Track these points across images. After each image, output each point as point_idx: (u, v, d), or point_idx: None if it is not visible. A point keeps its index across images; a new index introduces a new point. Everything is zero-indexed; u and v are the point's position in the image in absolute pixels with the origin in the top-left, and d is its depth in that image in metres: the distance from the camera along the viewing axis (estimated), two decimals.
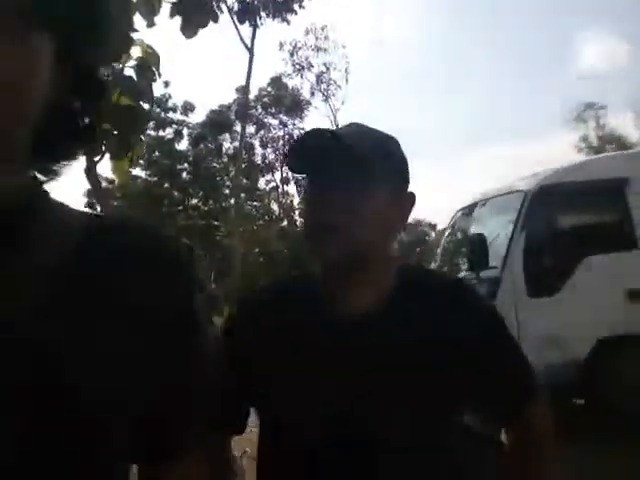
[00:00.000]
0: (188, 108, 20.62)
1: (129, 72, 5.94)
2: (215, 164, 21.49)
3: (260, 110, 20.52)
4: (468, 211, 5.74)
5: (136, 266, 0.48)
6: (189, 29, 7.02)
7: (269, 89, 20.51)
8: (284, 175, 22.20)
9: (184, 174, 21.11)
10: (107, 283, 0.46)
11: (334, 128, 0.86)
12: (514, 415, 0.89)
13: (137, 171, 19.67)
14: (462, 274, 5.01)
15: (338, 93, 20.52)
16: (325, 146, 0.77)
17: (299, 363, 0.80)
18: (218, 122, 20.23)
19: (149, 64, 6.67)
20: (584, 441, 4.00)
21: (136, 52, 6.30)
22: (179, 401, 0.52)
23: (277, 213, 22.99)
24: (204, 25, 7.28)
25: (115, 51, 5.69)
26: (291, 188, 22.87)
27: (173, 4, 6.43)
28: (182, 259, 0.52)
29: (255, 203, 22.75)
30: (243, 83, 17.36)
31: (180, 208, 20.73)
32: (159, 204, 19.81)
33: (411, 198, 0.84)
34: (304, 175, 0.84)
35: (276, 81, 20.13)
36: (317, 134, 0.79)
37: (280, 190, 22.75)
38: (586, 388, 4.55)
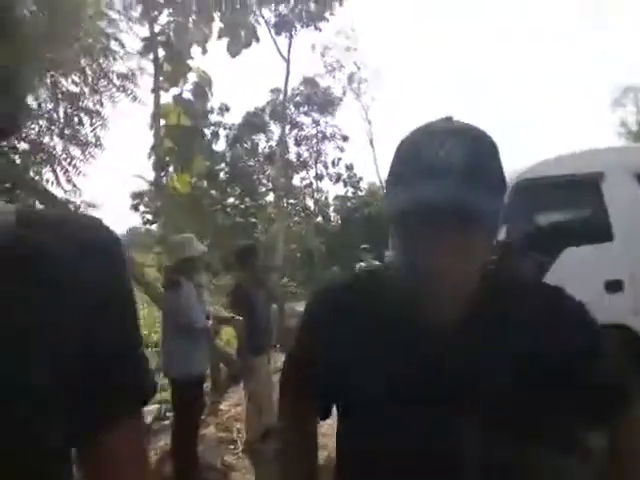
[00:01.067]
0: (224, 109, 21.34)
1: (187, 95, 6.92)
2: (251, 163, 22.14)
3: (293, 109, 21.01)
4: None
5: (72, 252, 0.53)
6: (235, 49, 7.97)
7: (301, 88, 20.95)
8: (318, 172, 22.63)
9: (221, 174, 21.85)
10: (44, 267, 0.50)
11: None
12: (611, 424, 0.85)
13: None
14: None
15: (369, 90, 20.76)
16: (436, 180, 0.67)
17: (385, 362, 0.77)
18: (253, 123, 20.90)
19: (203, 87, 7.73)
20: None
21: (192, 77, 7.32)
22: (114, 370, 0.55)
23: (312, 209, 23.34)
24: (248, 46, 8.23)
25: (175, 77, 6.63)
26: (325, 184, 23.21)
27: (221, 28, 7.23)
28: (113, 245, 0.57)
29: (291, 200, 23.30)
30: (277, 85, 18.08)
31: (218, 207, 21.53)
32: (199, 204, 20.67)
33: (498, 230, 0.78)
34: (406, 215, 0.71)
35: (308, 81, 20.56)
36: (426, 166, 0.68)
37: (314, 187, 23.15)
38: None
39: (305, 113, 21.46)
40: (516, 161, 4.87)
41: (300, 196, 23.33)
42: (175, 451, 3.40)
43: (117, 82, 4.28)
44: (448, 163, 0.67)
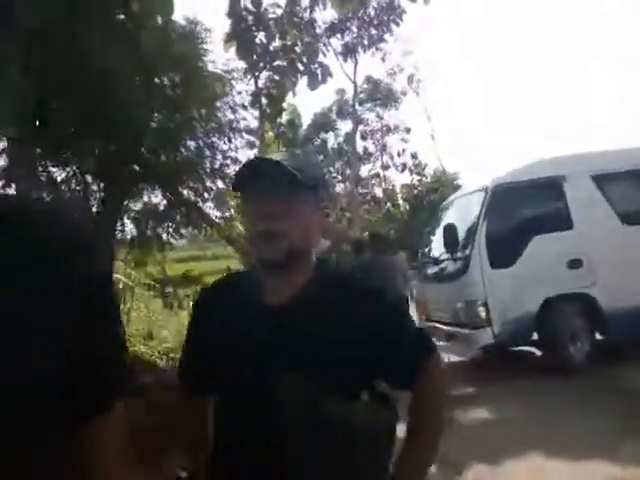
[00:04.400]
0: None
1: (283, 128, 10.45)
2: (321, 158, 24.58)
3: (358, 106, 23.22)
4: (448, 205, 7.11)
5: (58, 246, 0.57)
6: (313, 86, 11.34)
7: (365, 86, 23.05)
8: (384, 163, 24.68)
9: None
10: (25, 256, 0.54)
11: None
12: (414, 378, 1.07)
13: None
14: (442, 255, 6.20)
15: (429, 89, 22.31)
16: (260, 167, 0.99)
17: (230, 341, 1.02)
18: (322, 123, 23.39)
19: (294, 119, 11.54)
20: (534, 377, 5.34)
21: (285, 115, 11.08)
22: (99, 358, 0.61)
23: (381, 197, 25.23)
24: (324, 82, 11.67)
25: (273, 116, 10.19)
26: (391, 173, 25.13)
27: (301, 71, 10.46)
28: (87, 238, 0.62)
29: (360, 190, 25.34)
30: (342, 86, 20.47)
31: None
32: None
33: (326, 212, 1.11)
34: (244, 192, 1.03)
35: (371, 80, 22.65)
36: (254, 161, 1.02)
37: (382, 176, 25.18)
38: (538, 334, 5.71)
39: (369, 109, 23.60)
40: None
41: (369, 186, 25.26)
42: None
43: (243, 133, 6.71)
44: (263, 158, 1.06)
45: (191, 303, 5.67)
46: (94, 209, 5.46)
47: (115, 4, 4.45)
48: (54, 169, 5.24)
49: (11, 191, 4.83)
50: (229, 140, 6.08)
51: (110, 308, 0.64)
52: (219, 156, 5.99)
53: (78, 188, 5.37)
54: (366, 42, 13.58)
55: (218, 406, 1.10)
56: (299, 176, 0.96)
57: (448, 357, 6.52)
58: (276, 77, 8.29)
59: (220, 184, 6.04)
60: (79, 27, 4.00)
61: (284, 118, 8.92)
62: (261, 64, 8.39)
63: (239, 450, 1.02)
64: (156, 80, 5.48)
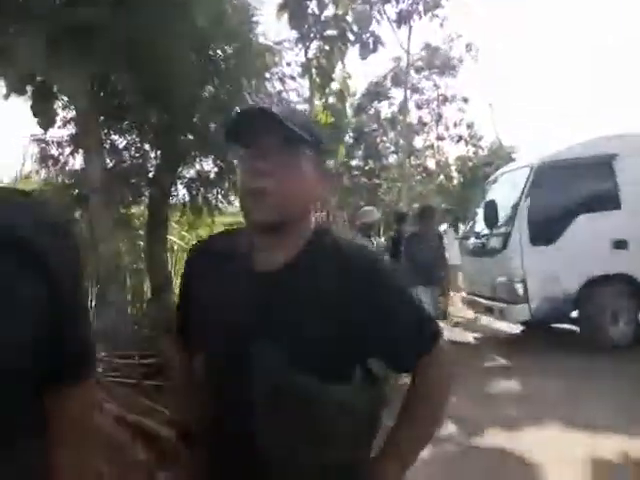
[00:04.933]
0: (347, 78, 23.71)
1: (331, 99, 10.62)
2: (375, 128, 24.31)
3: (414, 75, 22.67)
4: (494, 180, 7.15)
5: (30, 230, 0.65)
6: (364, 55, 11.37)
7: (422, 53, 22.44)
8: (439, 133, 24.14)
9: (346, 137, 24.36)
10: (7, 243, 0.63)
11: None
12: (413, 363, 1.00)
13: None
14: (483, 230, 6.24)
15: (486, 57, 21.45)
16: (255, 117, 0.90)
17: (216, 305, 0.97)
18: (376, 91, 23.06)
19: (343, 90, 11.54)
20: (570, 354, 5.34)
21: (335, 85, 11.20)
22: (74, 331, 0.69)
23: (434, 169, 24.82)
24: (375, 51, 11.75)
25: (323, 87, 10.35)
26: (446, 144, 24.59)
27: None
28: (65, 227, 0.72)
29: (413, 161, 24.97)
30: (397, 54, 20.06)
31: (343, 169, 24.10)
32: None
33: (329, 174, 1.15)
34: (237, 144, 0.94)
35: (428, 47, 22.01)
36: (249, 109, 0.94)
37: (435, 147, 24.69)
38: (578, 313, 5.70)
39: (426, 77, 23.01)
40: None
41: (422, 157, 24.85)
42: None
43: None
44: (258, 108, 0.93)
45: None
46: (150, 175, 5.88)
47: None
48: (116, 137, 5.65)
49: (79, 156, 5.30)
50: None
51: (75, 285, 0.71)
52: None
53: (137, 155, 5.78)
54: (421, 8, 13.23)
55: (204, 369, 1.04)
56: (294, 128, 0.89)
57: (487, 329, 6.50)
58: (326, 47, 8.40)
59: None
60: (138, 3, 4.29)
61: (334, 87, 9.05)
62: (312, 34, 8.49)
63: (220, 420, 0.97)
64: (210, 52, 5.74)
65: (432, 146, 24.61)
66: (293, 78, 6.72)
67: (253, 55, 6.02)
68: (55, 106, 4.88)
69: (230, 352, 0.94)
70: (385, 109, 24.00)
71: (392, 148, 24.03)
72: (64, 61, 4.01)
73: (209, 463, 1.00)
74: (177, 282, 7.23)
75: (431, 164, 24.69)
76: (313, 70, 8.36)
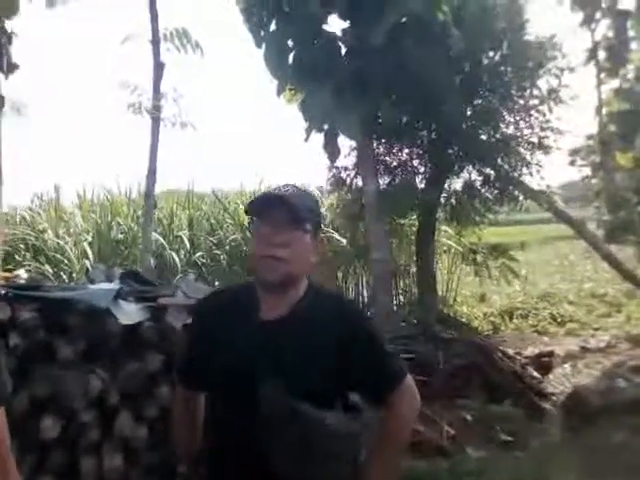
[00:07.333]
0: None
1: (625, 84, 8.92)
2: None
3: None
4: None
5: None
6: None
7: None
8: None
9: None
10: None
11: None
12: (381, 399, 1.24)
13: None
14: None
15: None
16: (270, 201, 1.20)
17: (225, 349, 1.19)
18: None
19: None
20: None
21: (632, 67, 9.35)
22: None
23: None
24: None
25: (614, 71, 8.82)
26: None
27: None
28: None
29: None
30: None
31: None
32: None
33: (323, 240, 1.28)
34: (254, 218, 1.21)
35: None
36: (269, 195, 1.22)
37: None
38: None
39: None
40: None
41: None
42: None
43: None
44: (275, 194, 1.21)
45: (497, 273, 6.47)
46: (420, 187, 6.38)
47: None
48: (387, 158, 6.36)
49: (360, 178, 6.19)
50: (550, 110, 5.95)
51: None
52: (537, 128, 5.97)
53: (407, 172, 6.37)
54: None
55: (209, 407, 1.28)
56: (302, 213, 1.17)
57: None
58: (618, 25, 7.28)
59: (540, 156, 6.05)
60: (405, 45, 4.83)
61: (629, 70, 7.74)
62: (598, 14, 7.49)
63: (226, 450, 1.19)
64: (483, 59, 5.85)
65: None
66: (572, 70, 6.14)
67: (523, 55, 5.85)
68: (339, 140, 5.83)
69: (241, 389, 1.15)
70: None
71: None
72: (343, 107, 4.87)
73: None
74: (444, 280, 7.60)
75: None
76: (601, 54, 7.41)
